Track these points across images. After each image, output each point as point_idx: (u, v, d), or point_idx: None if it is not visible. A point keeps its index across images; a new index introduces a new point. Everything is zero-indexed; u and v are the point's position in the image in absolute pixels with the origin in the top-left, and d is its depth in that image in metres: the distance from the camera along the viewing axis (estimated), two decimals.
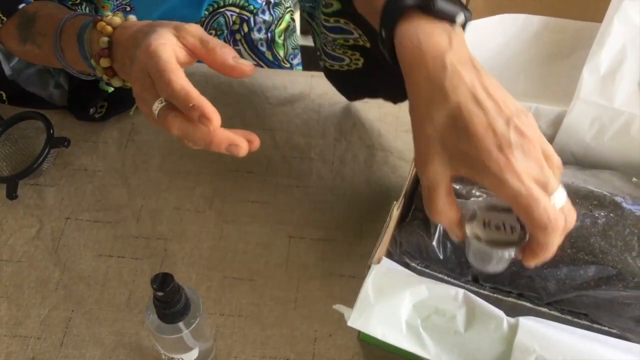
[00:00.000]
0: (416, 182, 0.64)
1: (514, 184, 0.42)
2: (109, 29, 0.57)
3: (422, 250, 0.58)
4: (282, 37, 1.00)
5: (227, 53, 0.51)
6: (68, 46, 0.63)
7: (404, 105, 0.82)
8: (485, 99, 0.44)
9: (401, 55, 0.48)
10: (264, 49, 0.98)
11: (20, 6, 0.67)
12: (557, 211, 0.43)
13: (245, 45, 0.97)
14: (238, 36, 0.95)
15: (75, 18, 0.63)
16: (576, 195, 0.56)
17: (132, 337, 0.64)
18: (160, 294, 0.49)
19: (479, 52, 0.62)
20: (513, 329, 0.50)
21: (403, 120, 0.80)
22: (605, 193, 0.56)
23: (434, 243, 0.58)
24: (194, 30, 0.53)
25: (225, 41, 0.95)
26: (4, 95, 0.82)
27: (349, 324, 0.51)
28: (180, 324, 0.53)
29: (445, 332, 0.51)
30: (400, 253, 0.60)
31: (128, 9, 0.83)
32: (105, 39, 0.57)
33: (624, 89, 0.58)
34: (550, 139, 0.61)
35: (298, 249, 0.70)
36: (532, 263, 0.47)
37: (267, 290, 0.67)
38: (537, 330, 0.49)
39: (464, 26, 0.49)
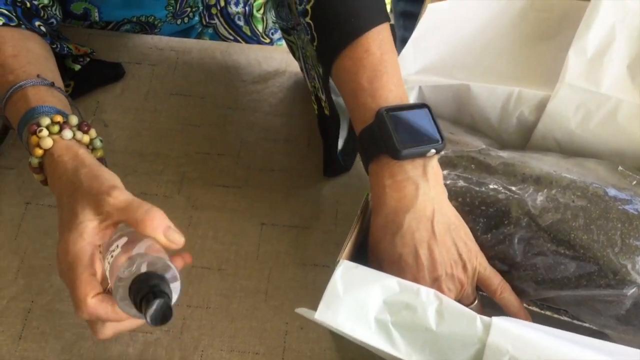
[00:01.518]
0: None
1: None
2: (39, 151, 0.55)
3: None
4: (260, 11, 0.96)
5: (158, 227, 0.50)
6: (14, 123, 0.60)
7: None
8: (425, 258, 0.51)
9: (371, 187, 0.54)
10: (241, 23, 0.94)
11: None
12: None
13: (221, 19, 0.93)
14: (214, 10, 0.91)
15: (20, 92, 0.59)
16: (558, 185, 0.53)
17: None
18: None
19: (457, 33, 0.59)
20: (487, 328, 0.47)
21: None
22: (588, 183, 0.53)
23: None
24: (118, 203, 0.50)
25: (201, 17, 0.90)
26: None
27: (316, 316, 0.48)
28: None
29: (416, 329, 0.48)
30: None
31: None
32: (36, 160, 0.55)
33: (612, 73, 0.55)
34: (533, 125, 0.58)
35: (270, 236, 0.67)
36: None
37: (237, 280, 0.65)
38: (510, 331, 0.46)
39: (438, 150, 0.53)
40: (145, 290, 0.44)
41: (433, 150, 0.52)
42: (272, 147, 0.74)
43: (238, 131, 0.75)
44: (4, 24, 0.63)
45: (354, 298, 0.48)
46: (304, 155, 0.73)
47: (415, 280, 0.51)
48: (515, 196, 0.53)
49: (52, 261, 0.65)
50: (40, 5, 0.68)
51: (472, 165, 0.55)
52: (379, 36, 0.55)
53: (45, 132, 0.55)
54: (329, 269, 0.65)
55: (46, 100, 0.58)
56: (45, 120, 0.55)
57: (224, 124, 0.75)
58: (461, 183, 0.54)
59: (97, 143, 0.59)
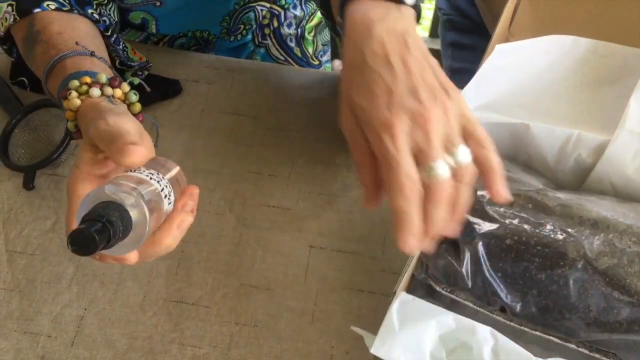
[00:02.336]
0: None
1: (387, 143, 0.44)
2: (70, 114, 0.55)
3: (449, 276, 0.56)
4: (312, 33, 0.98)
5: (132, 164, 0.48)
6: (53, 96, 0.61)
7: None
8: (398, 67, 0.46)
9: (343, 30, 0.50)
10: (292, 44, 0.96)
11: (36, 10, 0.64)
12: (416, 182, 0.44)
13: (274, 40, 0.95)
14: (267, 30, 0.93)
15: (60, 64, 0.60)
16: (615, 230, 0.54)
17: (145, 340, 0.63)
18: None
19: (520, 73, 0.60)
20: None
21: None
22: None
23: (463, 270, 0.56)
24: (101, 130, 0.49)
25: (253, 36, 0.92)
26: (26, 81, 0.80)
27: (372, 351, 0.49)
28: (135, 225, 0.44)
29: None
30: (425, 276, 0.58)
31: (158, 3, 0.81)
32: (71, 124, 0.56)
33: None
34: (591, 168, 0.59)
35: (318, 259, 0.69)
36: (401, 239, 0.46)
37: (284, 301, 0.66)
38: None
39: (418, 10, 0.51)
40: (88, 216, 0.41)
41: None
42: (322, 170, 0.75)
43: (289, 153, 0.76)
44: (56, 8, 0.65)
45: (410, 333, 0.49)
46: (354, 180, 0.74)
47: (390, 87, 0.45)
48: (572, 238, 0.53)
49: (105, 270, 0.67)
50: (95, 2, 0.70)
51: (530, 205, 0.55)
52: None
53: (74, 94, 0.55)
54: (374, 295, 0.66)
55: (83, 67, 0.59)
56: (75, 83, 0.56)
57: (276, 145, 0.77)
58: (517, 222, 0.55)
59: (132, 97, 0.59)
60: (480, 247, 0.56)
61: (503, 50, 0.56)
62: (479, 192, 0.58)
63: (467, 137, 0.47)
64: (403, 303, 0.50)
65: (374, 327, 0.50)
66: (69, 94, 0.55)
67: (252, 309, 0.65)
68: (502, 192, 0.48)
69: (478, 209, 0.57)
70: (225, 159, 0.75)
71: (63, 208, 0.71)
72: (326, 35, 1.02)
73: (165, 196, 0.48)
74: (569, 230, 0.54)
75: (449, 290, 0.57)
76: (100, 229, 0.40)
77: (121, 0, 0.80)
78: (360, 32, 0.48)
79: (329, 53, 1.07)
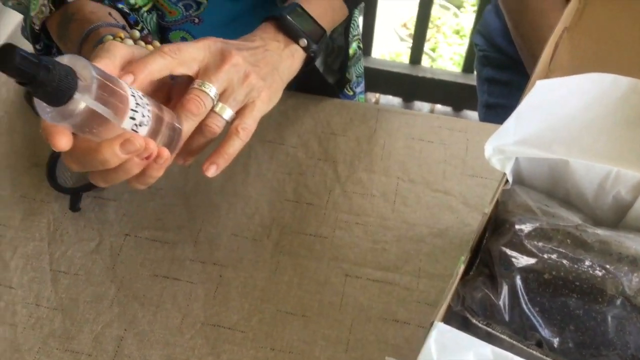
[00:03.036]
0: (483, 235, 0.63)
1: (221, 71, 0.57)
2: None
3: (486, 308, 0.57)
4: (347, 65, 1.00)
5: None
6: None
7: (472, 149, 0.81)
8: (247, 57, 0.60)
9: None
10: None
11: (70, 0, 0.67)
12: (204, 101, 0.55)
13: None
14: None
15: (94, 32, 0.63)
16: None
17: None
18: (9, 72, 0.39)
19: (560, 109, 0.61)
20: None
21: (469, 165, 0.79)
22: None
23: (500, 303, 0.56)
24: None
25: None
26: None
27: None
28: (77, 94, 0.42)
29: None
30: (461, 308, 0.58)
31: (197, 20, 0.84)
32: None
33: None
34: (630, 205, 0.59)
35: (354, 288, 0.69)
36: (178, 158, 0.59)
37: (319, 328, 0.67)
38: None
39: (308, 53, 0.67)
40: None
41: (305, 41, 0.66)
42: (359, 200, 0.76)
43: (326, 182, 0.78)
44: None
45: None
46: (390, 211, 0.75)
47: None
48: (611, 275, 0.53)
49: (146, 292, 0.69)
50: (129, 6, 0.74)
51: (568, 240, 0.56)
52: None
53: (111, 39, 0.58)
54: (409, 326, 0.67)
55: (116, 33, 0.61)
56: (108, 37, 0.58)
57: (313, 174, 0.79)
58: (556, 257, 0.55)
59: None
60: (518, 280, 0.56)
61: (543, 86, 0.57)
62: (517, 227, 0.58)
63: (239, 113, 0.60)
64: (440, 334, 0.50)
65: (409, 358, 0.50)
66: (106, 39, 0.58)
67: (287, 336, 0.66)
68: (212, 170, 0.59)
69: (516, 242, 0.58)
70: (264, 186, 0.77)
71: (107, 230, 0.73)
72: (360, 67, 1.04)
73: (137, 107, 0.47)
74: (608, 266, 0.54)
75: (485, 323, 0.57)
76: (29, 58, 0.39)
77: (162, 17, 0.83)
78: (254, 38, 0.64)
79: (362, 84, 1.08)
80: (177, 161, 0.59)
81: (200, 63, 0.57)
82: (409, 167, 0.79)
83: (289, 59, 0.66)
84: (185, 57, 0.56)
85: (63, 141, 0.46)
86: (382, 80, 2.03)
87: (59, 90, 0.41)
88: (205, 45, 0.58)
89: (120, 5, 0.72)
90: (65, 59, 0.43)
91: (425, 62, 2.01)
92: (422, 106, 2.12)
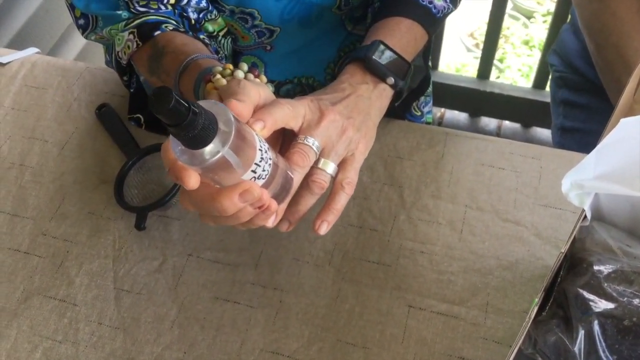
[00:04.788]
0: (557, 274, 0.59)
1: (320, 127, 0.59)
2: (215, 91, 0.57)
3: (559, 354, 0.53)
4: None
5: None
6: (187, 94, 0.63)
7: (545, 177, 0.77)
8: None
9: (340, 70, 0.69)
10: None
11: (156, 33, 0.68)
12: (309, 154, 0.57)
13: None
14: None
15: (193, 63, 0.64)
16: None
17: None
18: (161, 116, 0.40)
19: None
20: None
21: (542, 194, 0.75)
22: None
23: (576, 349, 0.52)
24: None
25: None
26: (142, 119, 0.84)
27: None
28: (214, 143, 0.43)
29: None
30: (533, 351, 0.55)
31: (269, 47, 0.83)
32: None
33: None
34: None
35: (417, 320, 0.67)
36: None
37: None
38: None
39: (396, 89, 0.68)
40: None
41: (392, 80, 0.66)
42: (425, 227, 0.74)
43: (391, 208, 0.76)
44: (174, 29, 0.69)
45: None
46: (458, 241, 0.72)
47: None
48: None
49: (206, 314, 0.69)
50: (207, 34, 0.74)
51: None
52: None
53: (219, 76, 0.59)
54: None
55: (224, 66, 0.62)
56: (218, 69, 0.60)
57: (378, 199, 0.77)
58: (637, 302, 0.52)
59: (269, 89, 0.62)
60: (596, 326, 0.52)
61: (628, 123, 0.53)
62: (596, 267, 0.55)
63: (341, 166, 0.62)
64: None
65: None
66: (214, 76, 0.59)
67: None
68: (324, 227, 0.62)
69: (594, 284, 0.54)
70: None
71: (170, 249, 0.74)
72: (429, 85, 1.02)
73: (261, 161, 0.48)
74: None
75: None
76: (182, 102, 0.40)
77: (235, 42, 0.83)
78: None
79: (430, 104, 1.06)
80: (282, 227, 0.61)
81: (303, 119, 0.58)
82: (477, 195, 0.76)
83: (378, 100, 0.66)
84: (298, 111, 0.57)
85: (192, 181, 0.47)
86: (448, 94, 1.99)
87: (200, 136, 0.42)
88: (304, 102, 0.59)
89: (201, 36, 0.73)
90: (205, 104, 0.44)
91: (492, 73, 1.95)
92: (489, 122, 2.06)
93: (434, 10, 0.74)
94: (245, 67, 0.61)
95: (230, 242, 0.74)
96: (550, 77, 1.08)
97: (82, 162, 0.82)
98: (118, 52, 0.70)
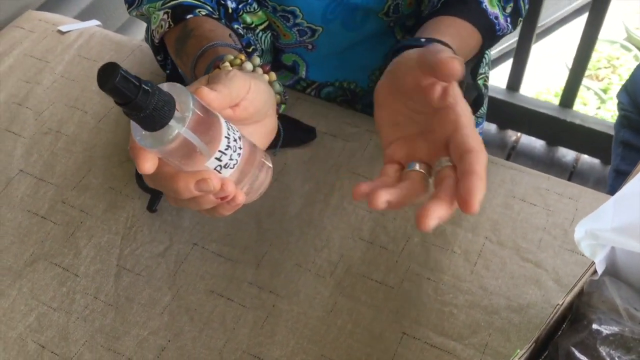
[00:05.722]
0: (558, 326, 0.54)
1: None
2: (205, 79, 0.55)
3: None
4: None
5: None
6: (197, 76, 0.63)
7: (579, 220, 0.71)
8: None
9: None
10: None
11: (188, 16, 0.67)
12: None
13: None
14: None
15: (212, 49, 0.62)
16: None
17: None
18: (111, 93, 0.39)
19: None
20: None
21: (572, 238, 0.70)
22: None
23: None
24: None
25: None
26: None
27: None
28: (171, 123, 0.42)
29: None
30: None
31: (310, 47, 0.82)
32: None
33: None
34: None
35: (408, 350, 0.64)
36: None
37: None
38: None
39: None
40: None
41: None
42: (438, 254, 0.70)
43: (407, 228, 0.72)
44: (207, 14, 0.68)
45: None
46: (468, 272, 0.68)
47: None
48: None
49: (198, 306, 0.68)
50: (244, 25, 0.72)
51: None
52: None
53: (227, 64, 0.57)
54: None
55: (237, 55, 0.60)
56: (230, 57, 0.58)
57: (395, 217, 0.73)
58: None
59: (277, 86, 0.60)
60: None
61: None
62: (595, 327, 0.50)
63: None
64: None
65: None
66: (223, 63, 0.57)
67: None
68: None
69: (589, 345, 0.50)
70: (340, 220, 0.73)
71: (178, 235, 0.73)
72: (484, 107, 0.97)
73: (227, 149, 0.46)
74: None
75: None
76: (130, 80, 0.39)
77: (277, 39, 0.82)
78: None
79: (483, 124, 1.01)
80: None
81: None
82: (501, 228, 0.71)
83: None
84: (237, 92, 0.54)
85: (147, 165, 0.46)
86: (526, 119, 1.90)
87: (154, 116, 0.41)
88: None
89: (236, 26, 0.72)
90: (165, 86, 0.43)
91: (593, 102, 1.82)
92: (567, 153, 1.96)
93: (497, 27, 0.70)
94: (257, 60, 0.59)
95: (237, 238, 0.73)
96: (617, 116, 1.00)
97: (114, 137, 0.84)
98: (152, 30, 0.70)
